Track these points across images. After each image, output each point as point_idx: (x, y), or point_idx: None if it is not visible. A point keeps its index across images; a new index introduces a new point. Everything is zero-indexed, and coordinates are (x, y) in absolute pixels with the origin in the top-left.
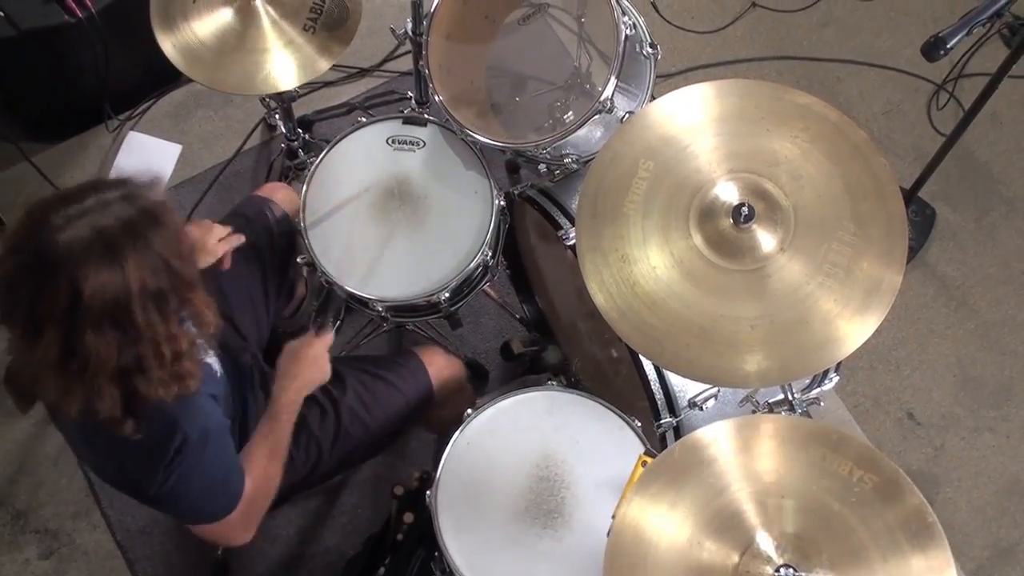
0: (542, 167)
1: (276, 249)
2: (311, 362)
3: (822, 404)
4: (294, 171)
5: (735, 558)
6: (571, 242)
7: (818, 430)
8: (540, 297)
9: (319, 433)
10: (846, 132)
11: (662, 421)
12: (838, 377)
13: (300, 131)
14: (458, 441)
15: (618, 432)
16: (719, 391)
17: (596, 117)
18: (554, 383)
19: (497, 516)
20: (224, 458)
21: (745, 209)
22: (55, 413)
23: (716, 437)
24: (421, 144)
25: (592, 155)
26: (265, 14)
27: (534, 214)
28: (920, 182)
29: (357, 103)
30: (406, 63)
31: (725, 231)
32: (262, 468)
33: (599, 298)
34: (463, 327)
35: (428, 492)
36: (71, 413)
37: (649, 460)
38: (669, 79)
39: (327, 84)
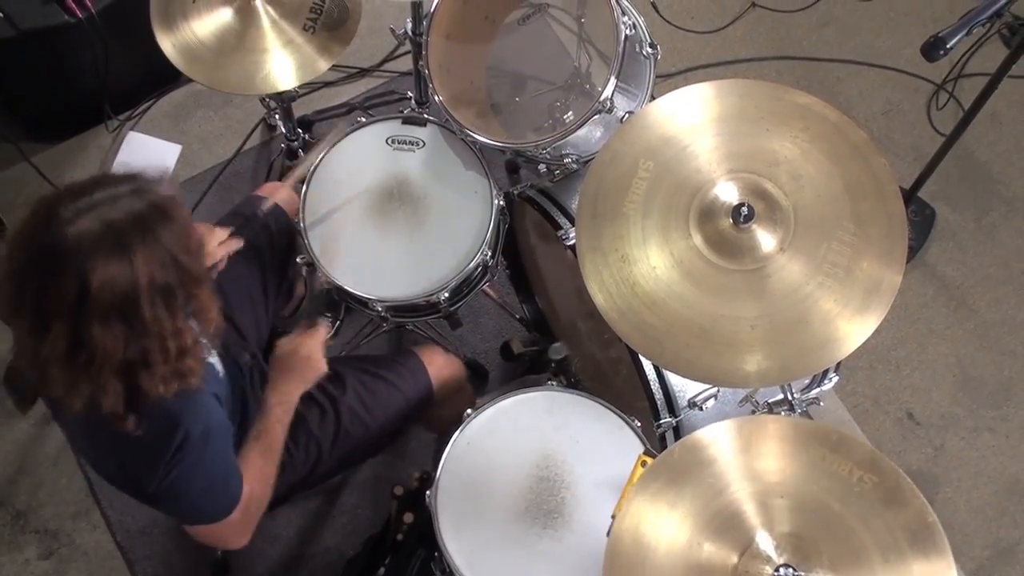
0: (542, 167)
1: (276, 249)
2: (302, 361)
3: (822, 404)
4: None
5: (734, 558)
6: (571, 242)
7: (818, 430)
8: (540, 297)
9: (319, 433)
10: (846, 132)
11: (662, 421)
12: (838, 377)
13: (300, 131)
14: (458, 441)
15: (618, 432)
16: (719, 391)
17: (596, 117)
18: (554, 383)
19: (497, 516)
20: (225, 458)
21: (745, 209)
22: (57, 411)
23: (716, 438)
24: (421, 144)
25: (592, 155)
26: (265, 14)
27: (534, 214)
28: (920, 182)
29: (357, 103)
30: (406, 63)
31: (725, 231)
32: (258, 469)
33: (599, 298)
34: (463, 327)
35: (428, 492)
36: (76, 408)
37: (649, 460)
38: (669, 79)
39: (327, 84)
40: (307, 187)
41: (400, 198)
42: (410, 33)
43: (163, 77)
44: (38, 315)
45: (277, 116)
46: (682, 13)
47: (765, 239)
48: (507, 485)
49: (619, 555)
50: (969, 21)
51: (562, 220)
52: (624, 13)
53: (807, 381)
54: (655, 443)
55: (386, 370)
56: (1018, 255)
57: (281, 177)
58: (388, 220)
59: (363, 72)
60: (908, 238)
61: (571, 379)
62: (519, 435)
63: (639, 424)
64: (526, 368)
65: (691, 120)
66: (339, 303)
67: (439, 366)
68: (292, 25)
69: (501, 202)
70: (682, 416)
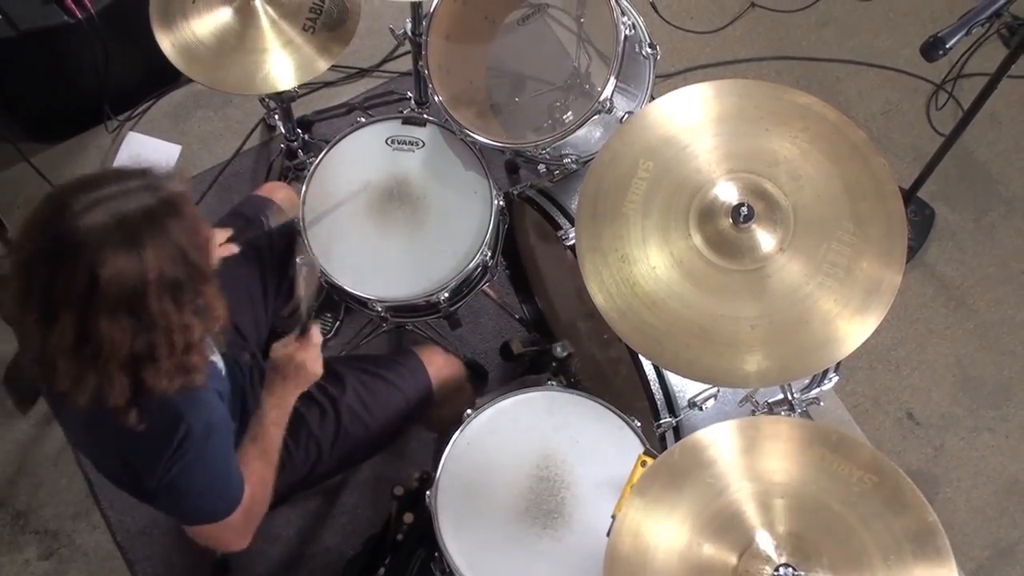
0: (541, 167)
1: (275, 249)
2: (297, 366)
3: (822, 404)
4: (293, 171)
5: (734, 559)
6: (571, 242)
7: (818, 431)
8: (539, 297)
9: (319, 432)
10: (845, 132)
11: (662, 421)
12: (837, 377)
13: (299, 131)
14: (458, 441)
15: (618, 432)
16: (719, 391)
17: (595, 117)
18: (554, 383)
19: (497, 516)
20: (226, 455)
21: (745, 209)
22: (59, 408)
23: (716, 438)
24: (420, 144)
25: (591, 155)
26: (264, 14)
27: (533, 214)
28: (919, 182)
29: (356, 103)
30: (405, 63)
31: (725, 231)
32: (256, 472)
33: (599, 298)
34: (462, 327)
35: (428, 492)
36: (81, 401)
37: (649, 460)
38: (668, 79)
39: (326, 84)
40: (307, 187)
41: (400, 198)
42: (410, 33)
43: (163, 77)
44: (46, 306)
45: (277, 116)
46: (681, 13)
47: (765, 239)
48: (507, 485)
49: (619, 555)
50: (968, 21)
51: (562, 220)
52: (624, 13)
53: (807, 381)
54: (655, 443)
55: (386, 370)
56: (1017, 255)
57: (281, 177)
58: (388, 220)
59: (363, 72)
60: (908, 238)
61: (571, 379)
62: (519, 435)
63: (639, 424)
64: (526, 368)
65: (691, 120)
66: (339, 303)
67: (439, 366)
68: (292, 25)
69: (501, 202)
70: (682, 416)
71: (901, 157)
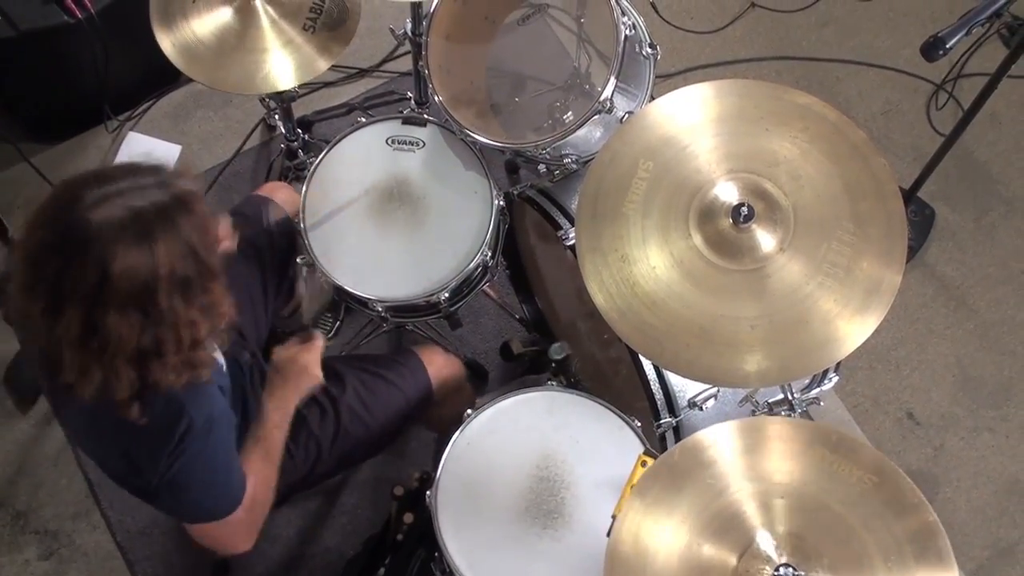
0: (541, 167)
1: (276, 249)
2: (299, 370)
3: (822, 404)
4: (294, 171)
5: (734, 559)
6: (571, 242)
7: (818, 431)
8: (540, 297)
9: (319, 432)
10: (845, 132)
11: (662, 421)
12: (837, 377)
13: (300, 131)
14: (458, 441)
15: (618, 432)
16: (719, 391)
17: (596, 117)
18: (554, 383)
19: (497, 516)
20: (228, 449)
21: (745, 209)
22: (60, 403)
23: (716, 439)
24: (421, 144)
25: (592, 155)
26: (264, 14)
27: (534, 214)
28: (919, 182)
29: (356, 103)
30: (405, 63)
31: (725, 231)
32: (259, 472)
33: (599, 298)
34: (463, 327)
35: (428, 492)
36: (87, 393)
37: (649, 460)
38: (668, 79)
39: (327, 84)
40: (307, 187)
41: (400, 198)
42: (410, 33)
43: (163, 77)
44: (53, 297)
45: (277, 116)
46: (681, 13)
47: (765, 239)
48: (507, 485)
49: (619, 556)
50: (968, 21)
51: (562, 220)
52: (624, 13)
53: (807, 381)
54: (655, 443)
55: (386, 369)
56: (1017, 255)
57: (281, 177)
58: (388, 220)
59: (363, 72)
60: (908, 238)
61: (571, 379)
62: (519, 435)
63: (639, 424)
64: (526, 368)
65: (691, 120)
66: (339, 303)
67: (439, 365)
68: (292, 25)
69: (501, 202)
70: (682, 416)
71: (901, 157)
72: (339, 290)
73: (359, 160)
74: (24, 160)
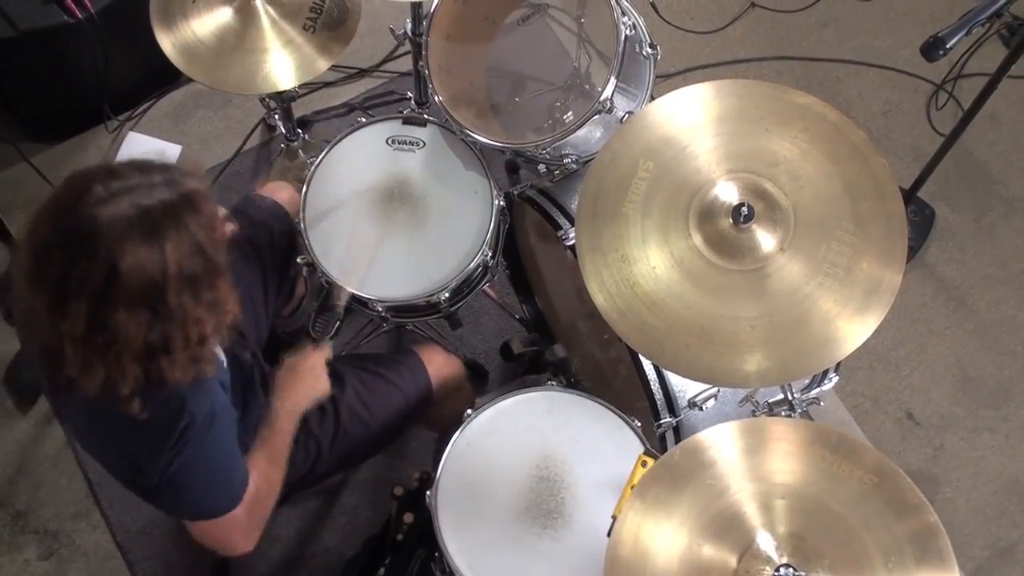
0: (541, 167)
1: (276, 249)
2: (308, 375)
3: (822, 404)
4: (294, 172)
5: (734, 560)
6: (571, 242)
7: (818, 432)
8: (540, 297)
9: (318, 432)
10: (845, 132)
11: (662, 421)
12: (837, 377)
13: (299, 131)
14: (458, 441)
15: (618, 432)
16: (719, 391)
17: (596, 117)
18: (554, 383)
19: (497, 516)
20: (229, 444)
21: (745, 209)
22: (60, 400)
23: (716, 440)
24: (421, 144)
25: (592, 155)
26: (265, 14)
27: (534, 214)
28: (919, 182)
29: (357, 103)
30: (406, 63)
31: (725, 231)
32: (263, 471)
33: (599, 298)
34: (463, 327)
35: (428, 492)
36: (90, 389)
37: (649, 460)
38: (668, 79)
39: (327, 84)
40: (307, 187)
41: (400, 198)
42: (410, 33)
43: (163, 77)
44: (59, 292)
45: (277, 116)
46: (681, 13)
47: (765, 239)
48: (507, 485)
49: (619, 556)
50: (968, 21)
51: (562, 220)
52: (624, 13)
53: (807, 381)
54: (655, 443)
55: (385, 369)
56: (1017, 255)
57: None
58: (388, 220)
59: (363, 72)
60: (908, 238)
61: (571, 379)
62: (519, 435)
63: (639, 424)
64: (526, 368)
65: (691, 120)
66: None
67: (438, 365)
68: (292, 25)
69: (501, 202)
70: (682, 416)
71: (901, 157)
72: (338, 290)
73: (359, 160)
74: (24, 160)
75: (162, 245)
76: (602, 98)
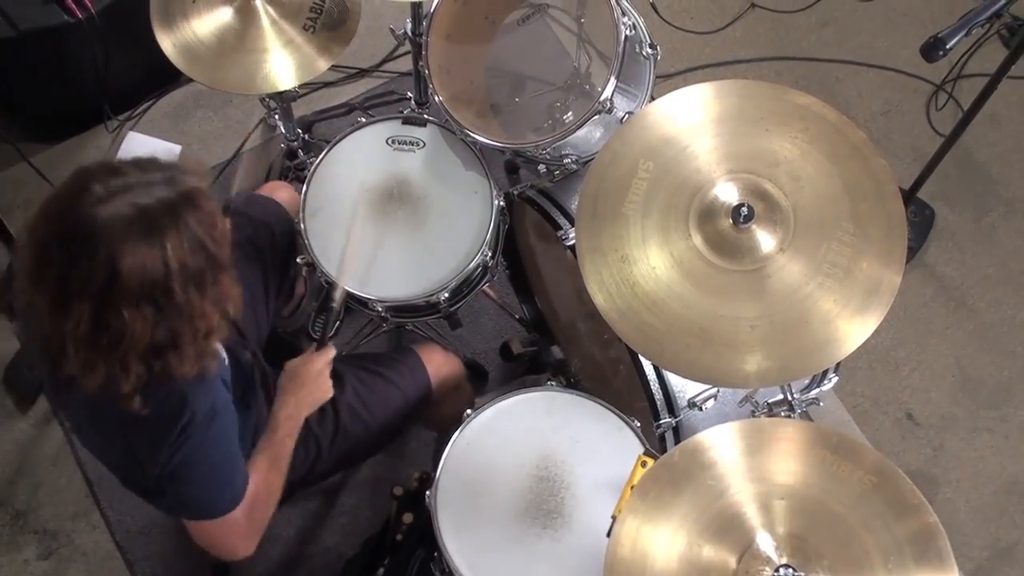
0: (541, 167)
1: (277, 249)
2: (311, 379)
3: (821, 404)
4: (294, 171)
5: (734, 560)
6: (571, 242)
7: (818, 432)
8: (539, 298)
9: (318, 431)
10: (845, 132)
11: (661, 421)
12: (837, 377)
13: (300, 131)
14: (457, 441)
15: (617, 432)
16: (718, 391)
17: (596, 117)
18: (553, 383)
19: (497, 516)
20: (229, 443)
21: (745, 209)
22: (61, 397)
23: (716, 441)
24: (421, 144)
25: (592, 155)
26: (265, 14)
27: (533, 215)
28: (919, 182)
29: (357, 103)
30: (406, 63)
31: (725, 231)
32: (263, 474)
33: (599, 298)
34: (462, 327)
35: (427, 492)
36: (91, 387)
37: (649, 460)
38: (668, 79)
39: (327, 84)
40: (307, 187)
41: (400, 198)
42: (410, 33)
43: (163, 77)
44: (60, 291)
45: (277, 116)
46: (681, 14)
47: (765, 239)
48: (507, 485)
49: (619, 557)
50: (968, 22)
51: (562, 220)
52: (624, 13)
53: (807, 381)
54: (654, 443)
55: (385, 368)
56: (1017, 255)
57: (281, 177)
58: (388, 220)
59: (363, 72)
60: (907, 238)
61: (570, 379)
62: (519, 435)
63: (639, 424)
64: (526, 368)
65: (691, 121)
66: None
67: (438, 364)
68: (292, 25)
69: (501, 202)
70: (682, 416)
71: (901, 157)
72: (338, 290)
73: (359, 160)
74: (24, 160)
75: (162, 244)
76: (602, 98)
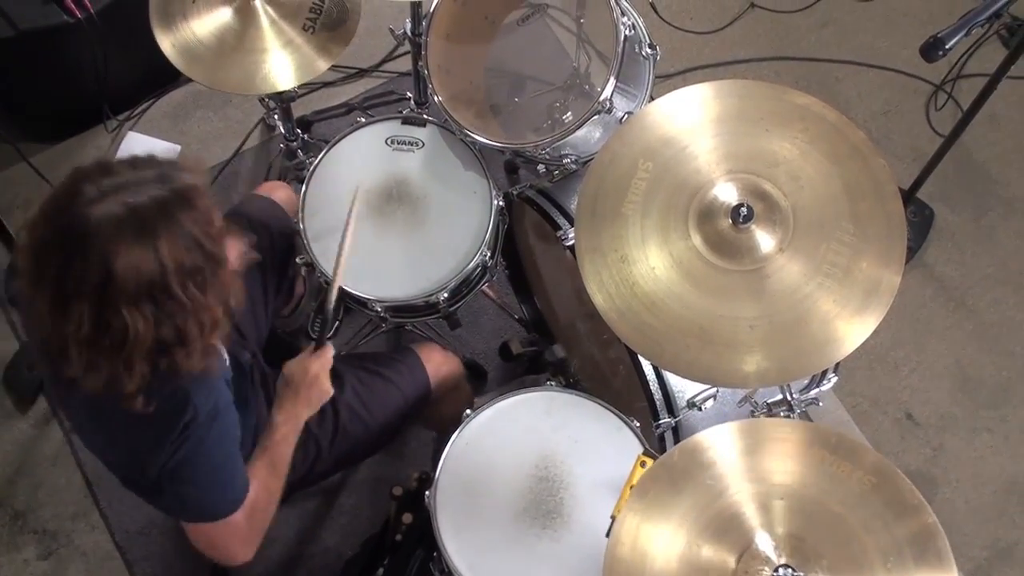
0: (541, 168)
1: (276, 249)
2: (310, 380)
3: (821, 404)
4: (293, 171)
5: (733, 560)
6: (570, 243)
7: (817, 432)
8: (539, 298)
9: (317, 431)
10: (845, 132)
11: (661, 421)
12: (836, 377)
13: (299, 131)
14: (457, 442)
15: (617, 432)
16: (718, 391)
17: (595, 118)
18: (553, 383)
19: (496, 516)
20: (230, 443)
21: (744, 209)
22: (61, 396)
23: (715, 440)
24: (420, 144)
25: (591, 156)
26: (264, 14)
27: (533, 215)
28: (919, 183)
29: (356, 103)
30: (405, 63)
31: (724, 231)
32: (263, 479)
33: (598, 299)
34: (462, 327)
35: (427, 492)
36: (93, 388)
37: (648, 460)
38: (668, 80)
39: (326, 84)
40: (307, 187)
41: (399, 198)
42: (409, 33)
43: (162, 77)
44: (59, 293)
45: (276, 116)
46: (681, 14)
47: (764, 239)
48: (506, 485)
49: (618, 557)
50: (968, 22)
51: (561, 221)
52: (623, 14)
53: (806, 382)
54: (654, 443)
55: (384, 367)
56: (1017, 255)
57: (280, 178)
58: (387, 220)
59: (362, 72)
60: (907, 238)
61: (570, 379)
62: (518, 435)
63: (638, 424)
64: (525, 368)
65: (690, 121)
66: (338, 303)
67: (437, 363)
68: (291, 25)
69: (500, 202)
70: (681, 416)
71: (900, 158)
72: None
73: (359, 160)
74: (24, 160)
75: (155, 243)
76: (601, 98)
